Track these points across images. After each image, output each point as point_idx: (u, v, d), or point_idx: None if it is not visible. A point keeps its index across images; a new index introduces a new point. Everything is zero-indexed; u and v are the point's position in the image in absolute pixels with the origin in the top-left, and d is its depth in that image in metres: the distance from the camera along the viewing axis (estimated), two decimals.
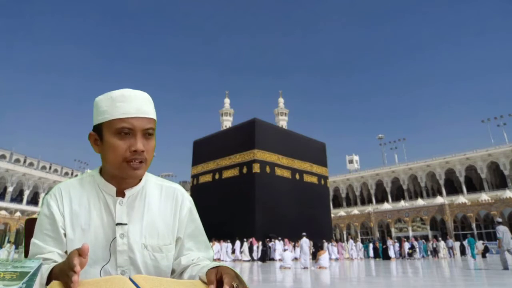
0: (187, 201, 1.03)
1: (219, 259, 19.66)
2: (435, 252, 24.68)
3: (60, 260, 0.86)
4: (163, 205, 0.98)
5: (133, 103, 0.89)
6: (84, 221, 0.90)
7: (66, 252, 0.89)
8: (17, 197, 53.31)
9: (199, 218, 1.06)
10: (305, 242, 15.47)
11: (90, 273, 0.86)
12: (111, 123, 0.88)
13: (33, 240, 0.91)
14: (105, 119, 0.89)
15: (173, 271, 0.98)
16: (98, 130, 0.92)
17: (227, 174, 28.07)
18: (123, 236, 0.90)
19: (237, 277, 0.78)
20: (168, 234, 0.96)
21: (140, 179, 0.97)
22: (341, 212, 51.88)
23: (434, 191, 51.07)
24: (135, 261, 0.90)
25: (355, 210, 50.59)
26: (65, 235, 0.90)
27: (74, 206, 0.92)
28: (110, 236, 0.89)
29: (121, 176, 0.90)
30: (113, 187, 0.93)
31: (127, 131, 0.88)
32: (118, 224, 0.90)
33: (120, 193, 0.93)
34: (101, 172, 0.96)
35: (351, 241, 26.62)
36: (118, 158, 0.87)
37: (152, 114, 0.93)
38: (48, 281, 0.79)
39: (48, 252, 0.88)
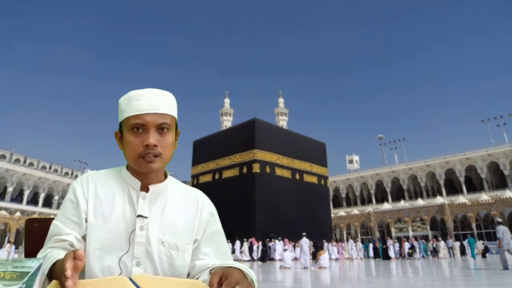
0: (209, 206, 1.04)
1: None
2: (435, 252, 24.67)
3: (76, 243, 0.90)
4: (184, 206, 1.00)
5: (146, 100, 0.92)
6: (107, 209, 0.92)
7: (83, 237, 0.91)
8: (17, 197, 53.30)
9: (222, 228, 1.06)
10: (305, 242, 15.46)
11: (107, 259, 0.88)
12: (127, 121, 0.93)
13: (54, 221, 0.94)
14: (123, 117, 0.94)
15: (188, 275, 0.98)
16: (120, 128, 0.97)
17: (227, 174, 28.07)
18: (143, 229, 0.91)
19: (243, 279, 0.77)
20: (187, 234, 0.97)
21: (165, 178, 1.00)
22: (341, 212, 51.86)
23: (434, 191, 51.08)
24: (151, 254, 0.91)
25: (355, 210, 50.57)
26: (86, 220, 0.92)
27: (99, 193, 0.94)
28: (130, 227, 0.91)
29: (139, 170, 0.94)
30: (138, 181, 0.96)
31: (140, 127, 0.91)
32: (139, 216, 0.92)
33: (144, 189, 0.96)
34: (127, 167, 1.00)
35: (351, 241, 26.61)
36: (134, 154, 0.91)
37: (167, 110, 0.94)
38: (50, 274, 0.80)
39: (66, 234, 0.90)
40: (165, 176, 1.01)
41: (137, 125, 0.91)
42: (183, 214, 0.98)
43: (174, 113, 0.97)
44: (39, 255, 0.89)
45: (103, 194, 0.95)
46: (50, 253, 0.85)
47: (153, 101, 0.93)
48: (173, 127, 0.96)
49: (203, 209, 1.02)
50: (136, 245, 0.90)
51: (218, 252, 1.00)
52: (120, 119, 0.96)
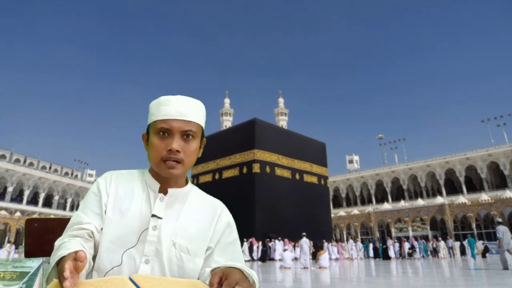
0: (227, 216, 1.05)
1: None
2: (435, 252, 24.67)
3: (96, 232, 0.92)
4: (201, 213, 1.01)
5: (175, 107, 0.95)
6: (125, 206, 0.95)
7: (101, 229, 0.94)
8: (17, 197, 53.30)
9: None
10: (305, 242, 15.46)
11: (117, 253, 0.90)
12: (155, 124, 0.96)
13: (76, 212, 0.98)
14: (151, 121, 0.97)
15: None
16: (148, 131, 1.00)
17: (227, 174, 28.08)
18: (156, 229, 0.93)
19: (243, 279, 0.77)
20: (200, 240, 0.97)
21: (186, 183, 1.03)
22: (341, 212, 51.86)
23: (434, 191, 51.08)
24: (161, 254, 0.92)
25: (355, 210, 50.57)
26: (105, 212, 0.95)
27: (119, 190, 0.98)
28: (144, 226, 0.93)
29: (160, 174, 0.96)
30: (157, 184, 0.99)
31: (166, 132, 0.94)
32: (153, 215, 0.94)
33: (164, 191, 0.98)
34: (150, 170, 1.03)
35: (351, 241, 26.62)
36: (157, 157, 0.94)
37: (194, 118, 0.97)
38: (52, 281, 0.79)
39: (86, 223, 0.93)
40: (186, 182, 1.04)
41: (162, 129, 0.93)
42: (198, 220, 0.99)
43: (201, 122, 1.00)
44: (57, 242, 0.89)
45: (124, 191, 0.98)
46: (65, 244, 0.85)
47: (181, 108, 0.95)
48: (198, 135, 0.98)
49: (220, 218, 1.03)
50: (147, 243, 0.92)
51: (231, 262, 0.97)
52: (149, 122, 0.99)
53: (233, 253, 1.02)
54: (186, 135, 0.95)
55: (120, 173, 1.03)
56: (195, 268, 0.95)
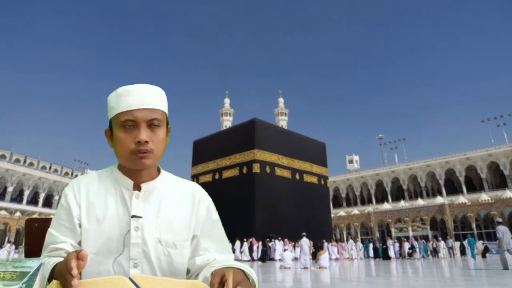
0: (206, 199, 1.02)
1: None
2: (435, 252, 24.67)
3: (72, 249, 0.88)
4: (180, 201, 0.97)
5: (136, 96, 0.90)
6: (100, 212, 0.91)
7: (79, 242, 0.90)
8: (17, 197, 53.30)
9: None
10: (305, 242, 15.46)
11: (104, 263, 0.86)
12: (117, 118, 0.90)
13: (49, 229, 0.93)
14: (113, 114, 0.92)
15: (188, 271, 0.97)
16: (110, 126, 0.95)
17: (227, 174, 28.07)
18: (138, 229, 0.89)
19: (244, 280, 0.76)
20: (184, 230, 0.94)
21: (158, 174, 0.98)
22: (341, 212, 51.86)
23: (434, 191, 51.08)
24: (148, 254, 0.89)
25: (355, 210, 50.58)
26: (80, 225, 0.91)
27: (91, 197, 0.93)
28: (124, 229, 0.89)
29: (131, 167, 0.92)
30: (130, 181, 0.94)
31: (131, 124, 0.89)
32: (133, 216, 0.90)
33: (137, 187, 0.94)
34: (119, 167, 0.98)
35: (351, 241, 26.62)
36: (126, 151, 0.89)
37: (158, 105, 0.92)
38: (50, 278, 0.79)
39: (61, 242, 0.89)
40: (159, 172, 0.99)
41: (127, 122, 0.89)
42: (179, 210, 0.96)
43: (165, 108, 0.95)
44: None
45: (95, 197, 0.93)
46: (47, 261, 0.84)
47: (143, 97, 0.91)
48: (164, 123, 0.94)
49: (200, 204, 0.99)
50: (132, 246, 0.88)
51: (218, 246, 0.99)
52: (110, 116, 0.93)
53: (218, 236, 1.00)
54: (152, 124, 0.90)
55: (88, 178, 0.97)
56: (183, 261, 0.94)
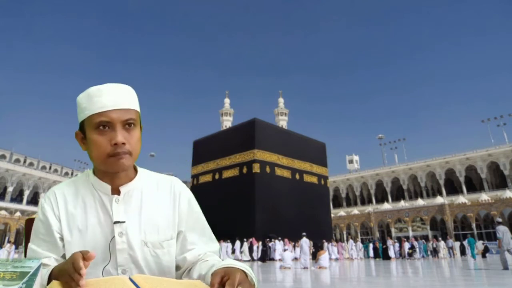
0: (186, 193, 1.00)
1: None
2: (435, 252, 24.68)
3: (56, 263, 0.84)
4: (161, 199, 0.96)
5: (109, 96, 0.87)
6: (81, 222, 0.88)
7: (63, 256, 0.88)
8: (17, 197, 53.30)
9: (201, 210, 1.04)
10: (305, 242, 15.47)
11: (92, 274, 0.85)
12: (91, 119, 0.87)
13: (30, 245, 0.90)
14: (85, 116, 0.88)
15: (178, 268, 0.96)
16: (82, 128, 0.90)
17: (227, 174, 28.07)
18: (122, 235, 0.87)
19: (245, 280, 0.76)
20: (169, 228, 0.93)
21: (135, 175, 0.96)
22: (341, 212, 51.87)
23: (434, 191, 51.08)
24: (135, 259, 0.88)
25: (355, 210, 50.58)
26: (61, 239, 0.88)
27: (69, 208, 0.90)
28: (108, 236, 0.88)
29: (108, 171, 0.89)
30: (108, 185, 0.91)
31: (106, 125, 0.86)
32: (116, 222, 0.88)
33: (115, 191, 0.92)
34: (95, 171, 0.95)
35: (351, 241, 26.63)
36: (102, 154, 0.86)
37: (132, 105, 0.90)
38: (48, 284, 0.78)
39: (44, 257, 0.87)
40: (135, 171, 0.97)
41: (102, 123, 0.85)
42: (161, 208, 0.94)
43: (138, 108, 0.93)
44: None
45: (74, 207, 0.90)
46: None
47: (116, 97, 0.88)
48: (138, 122, 0.92)
49: (180, 199, 0.97)
50: (119, 253, 0.87)
51: (204, 238, 0.99)
52: (81, 118, 0.89)
53: (202, 228, 1.00)
54: (127, 124, 0.87)
55: (63, 187, 0.94)
56: (171, 259, 0.93)
